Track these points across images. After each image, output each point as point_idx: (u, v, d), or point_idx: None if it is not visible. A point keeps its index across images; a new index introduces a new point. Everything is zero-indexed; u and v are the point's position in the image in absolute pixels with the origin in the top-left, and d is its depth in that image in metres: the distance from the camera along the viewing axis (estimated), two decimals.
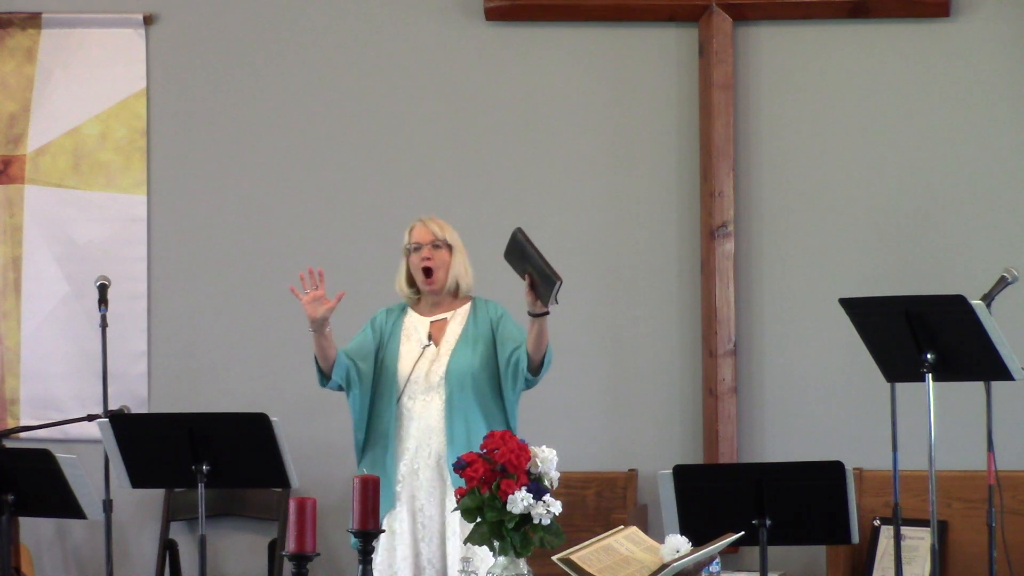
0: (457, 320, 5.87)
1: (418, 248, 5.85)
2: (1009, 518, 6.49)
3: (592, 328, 7.37)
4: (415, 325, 5.89)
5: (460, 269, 5.87)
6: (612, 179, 7.42)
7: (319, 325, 5.71)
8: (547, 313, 5.60)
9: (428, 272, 5.84)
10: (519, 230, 5.57)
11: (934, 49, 7.31)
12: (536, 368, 5.73)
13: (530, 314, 5.63)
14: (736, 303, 7.28)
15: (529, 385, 5.80)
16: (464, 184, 7.44)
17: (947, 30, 7.30)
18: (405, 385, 5.80)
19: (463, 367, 5.78)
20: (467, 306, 5.90)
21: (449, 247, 5.85)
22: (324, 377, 5.84)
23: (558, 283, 5.46)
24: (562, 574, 4.69)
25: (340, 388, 5.87)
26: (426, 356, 5.82)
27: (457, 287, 5.87)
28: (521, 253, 5.55)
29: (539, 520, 4.70)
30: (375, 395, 5.85)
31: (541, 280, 5.51)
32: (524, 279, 5.57)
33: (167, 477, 5.68)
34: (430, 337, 5.85)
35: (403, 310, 5.94)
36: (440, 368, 5.80)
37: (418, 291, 5.91)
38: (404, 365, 5.82)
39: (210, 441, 5.44)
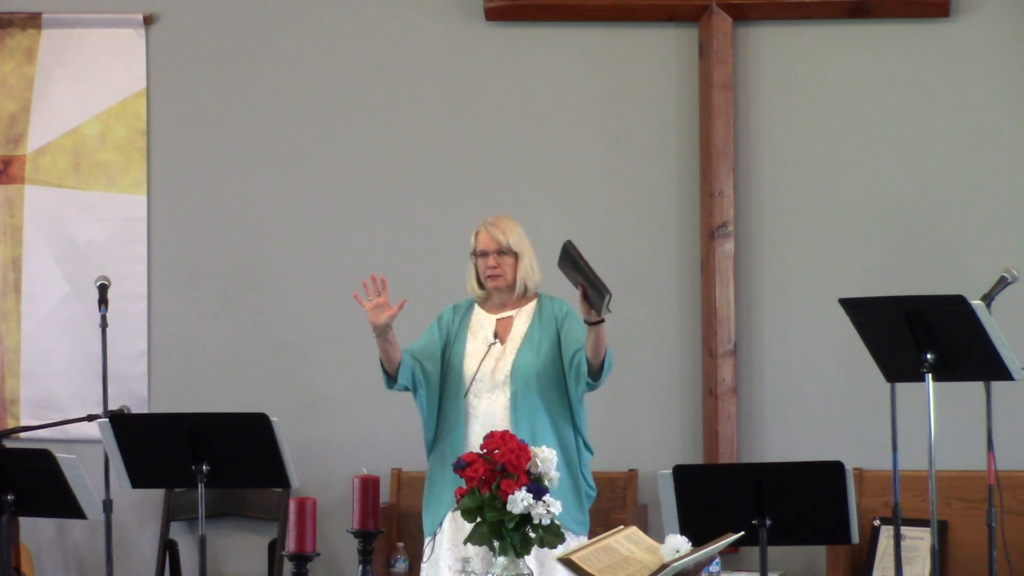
0: (523, 318, 5.87)
1: (484, 255, 5.85)
2: (1009, 518, 6.49)
3: None
4: (481, 322, 5.89)
5: (527, 272, 5.87)
6: (612, 179, 7.42)
7: (382, 331, 5.70)
8: (602, 321, 5.61)
9: (494, 277, 5.86)
10: (569, 243, 5.57)
11: (934, 49, 7.30)
12: (596, 373, 5.74)
13: (585, 322, 5.64)
14: (736, 303, 7.28)
15: (591, 388, 5.80)
16: (464, 184, 7.44)
17: (947, 30, 7.30)
18: (471, 383, 5.80)
19: (528, 366, 5.78)
20: (533, 303, 5.89)
21: (515, 253, 5.86)
22: (390, 379, 5.84)
23: (608, 296, 5.48)
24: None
25: (406, 389, 5.86)
26: (492, 354, 5.81)
27: (525, 288, 5.88)
28: (573, 265, 5.57)
29: (539, 520, 4.71)
30: (443, 393, 5.85)
31: (592, 290, 5.53)
32: (577, 289, 5.59)
33: (167, 477, 5.68)
34: (496, 335, 5.86)
35: (470, 306, 5.94)
36: (505, 367, 5.80)
37: (486, 289, 5.91)
38: (470, 363, 5.82)
39: (210, 441, 5.44)
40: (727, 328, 7.26)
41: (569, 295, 5.79)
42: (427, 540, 5.81)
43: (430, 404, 5.85)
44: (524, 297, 5.90)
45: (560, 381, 5.82)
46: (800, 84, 7.37)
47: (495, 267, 5.84)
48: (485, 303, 5.93)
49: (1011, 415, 6.94)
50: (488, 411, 5.78)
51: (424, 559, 5.81)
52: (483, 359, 5.80)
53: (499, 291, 5.87)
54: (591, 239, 7.38)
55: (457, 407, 5.81)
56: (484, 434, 5.71)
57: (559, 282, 5.72)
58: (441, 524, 5.77)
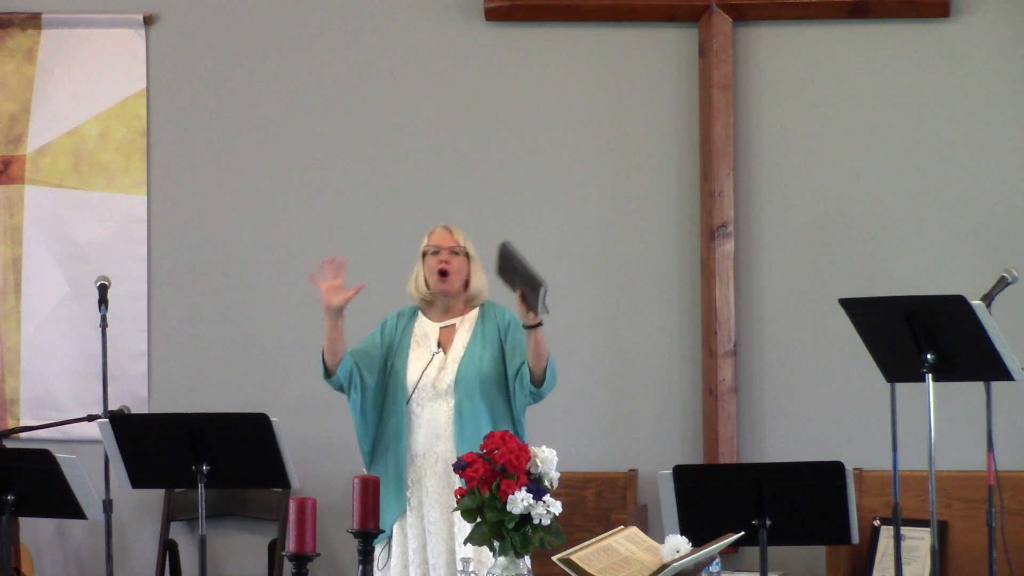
0: (466, 326, 5.89)
1: (436, 252, 5.86)
2: (1009, 518, 6.49)
3: (592, 328, 7.37)
4: (425, 331, 5.91)
5: (479, 278, 5.88)
6: (612, 179, 7.42)
7: (335, 312, 5.71)
8: (540, 324, 5.62)
9: (444, 273, 5.85)
10: (506, 243, 5.59)
11: (934, 49, 7.30)
12: (539, 381, 5.75)
13: (524, 326, 5.65)
14: (736, 303, 7.28)
15: (536, 399, 5.81)
16: (464, 184, 7.44)
17: (947, 30, 7.30)
18: (413, 391, 5.81)
19: (471, 375, 5.80)
20: (475, 312, 5.91)
21: (467, 255, 5.86)
22: (327, 372, 5.84)
23: (543, 287, 5.49)
24: (562, 574, 4.69)
25: (341, 389, 5.87)
26: (434, 363, 5.83)
27: (470, 295, 5.88)
28: (509, 265, 5.57)
29: (539, 520, 4.70)
30: (385, 401, 5.86)
31: (529, 289, 5.54)
32: (516, 292, 5.60)
33: (167, 477, 5.68)
34: (439, 344, 5.86)
35: (414, 314, 5.96)
36: (448, 376, 5.82)
37: (431, 294, 5.91)
38: (412, 372, 5.84)
39: (210, 441, 5.44)
40: (727, 328, 7.26)
41: (502, 296, 5.82)
42: (379, 547, 5.81)
43: (364, 413, 5.86)
44: (467, 305, 5.91)
45: (504, 390, 5.83)
46: (800, 84, 7.37)
47: (446, 262, 5.84)
48: (428, 310, 5.94)
49: (1011, 415, 6.94)
50: (431, 419, 5.80)
51: (380, 566, 5.81)
52: (425, 368, 5.81)
53: (445, 294, 5.86)
54: (591, 239, 7.39)
55: (398, 415, 5.83)
56: (427, 442, 5.75)
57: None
58: (390, 533, 5.80)
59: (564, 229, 7.41)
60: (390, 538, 5.83)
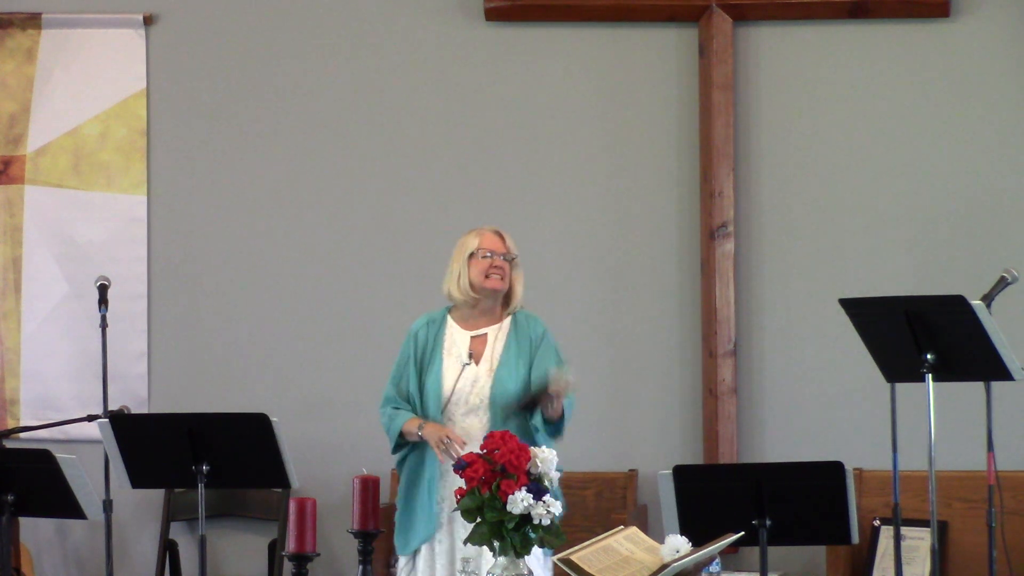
0: (499, 338, 5.81)
1: (488, 256, 5.77)
2: (1009, 518, 6.49)
3: (592, 328, 7.37)
4: (455, 339, 5.83)
5: (520, 286, 5.84)
6: (612, 179, 7.42)
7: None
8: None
9: (498, 278, 5.79)
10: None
11: (934, 49, 7.31)
12: (555, 425, 5.75)
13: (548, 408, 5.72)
14: (736, 303, 7.28)
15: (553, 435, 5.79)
16: (464, 184, 7.44)
17: (947, 30, 7.30)
18: (446, 404, 5.77)
19: (507, 392, 5.74)
20: (508, 320, 5.83)
21: (515, 264, 5.83)
22: (398, 446, 5.86)
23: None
24: (562, 574, 4.69)
25: None
26: (466, 375, 5.76)
27: (508, 302, 5.84)
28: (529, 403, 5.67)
29: (539, 520, 4.70)
30: (422, 411, 5.82)
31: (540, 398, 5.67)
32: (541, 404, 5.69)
33: (167, 477, 5.69)
34: (470, 354, 5.81)
35: (444, 319, 5.87)
36: (483, 391, 5.75)
37: (477, 295, 5.81)
38: (446, 384, 5.78)
39: (210, 441, 5.44)
40: (727, 328, 7.26)
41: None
42: (404, 559, 5.80)
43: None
44: (503, 312, 5.85)
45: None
46: (800, 84, 7.37)
47: (500, 267, 5.78)
48: (461, 315, 5.87)
49: (1011, 415, 6.94)
50: (464, 433, 5.72)
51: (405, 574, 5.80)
52: (457, 380, 5.77)
53: (492, 296, 5.80)
54: (591, 239, 7.39)
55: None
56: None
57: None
58: (418, 550, 5.79)
59: (564, 229, 7.40)
60: (415, 553, 5.80)
